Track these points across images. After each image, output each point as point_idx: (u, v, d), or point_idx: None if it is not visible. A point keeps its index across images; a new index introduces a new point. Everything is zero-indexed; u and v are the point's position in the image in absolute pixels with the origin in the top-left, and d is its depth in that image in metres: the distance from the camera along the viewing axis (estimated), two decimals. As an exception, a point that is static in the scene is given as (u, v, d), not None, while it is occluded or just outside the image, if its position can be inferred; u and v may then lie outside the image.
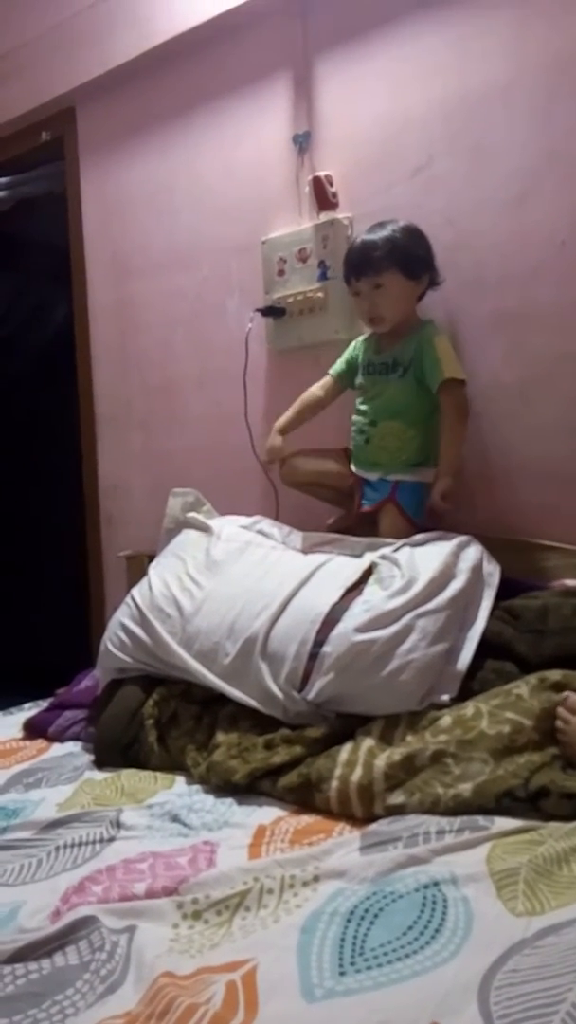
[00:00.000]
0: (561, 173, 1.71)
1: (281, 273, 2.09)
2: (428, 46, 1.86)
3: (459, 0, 1.81)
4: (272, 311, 2.09)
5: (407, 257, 1.72)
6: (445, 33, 1.83)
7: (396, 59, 1.91)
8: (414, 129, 1.89)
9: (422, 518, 1.78)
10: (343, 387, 1.93)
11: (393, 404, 1.79)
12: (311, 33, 2.04)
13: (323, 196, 1.99)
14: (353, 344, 1.91)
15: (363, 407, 1.84)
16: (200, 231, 2.30)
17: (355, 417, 1.86)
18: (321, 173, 2.00)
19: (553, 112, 1.71)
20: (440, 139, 1.86)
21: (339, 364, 1.92)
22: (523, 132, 1.75)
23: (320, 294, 1.99)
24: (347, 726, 1.44)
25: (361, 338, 1.90)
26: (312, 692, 1.48)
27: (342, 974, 0.87)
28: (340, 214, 1.98)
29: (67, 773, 1.60)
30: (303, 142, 2.06)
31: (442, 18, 1.83)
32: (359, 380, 1.87)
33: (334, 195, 1.99)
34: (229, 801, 1.38)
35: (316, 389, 1.94)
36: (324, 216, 2.00)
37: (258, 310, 2.10)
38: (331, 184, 1.99)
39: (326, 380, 1.94)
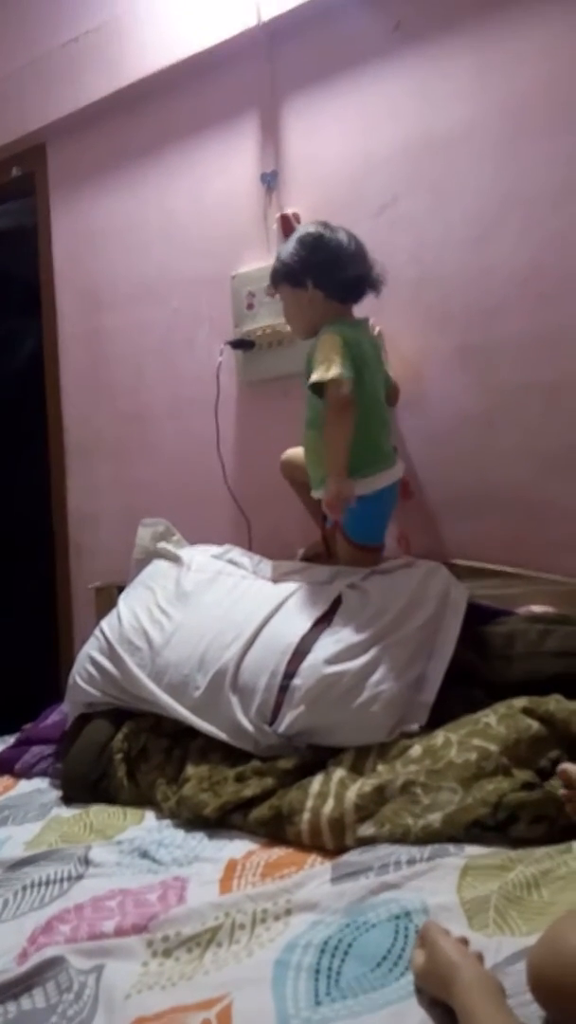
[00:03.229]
0: (522, 212, 1.77)
1: (250, 307, 2.13)
2: (392, 90, 1.93)
3: (421, 46, 1.88)
4: (241, 344, 2.12)
5: (286, 268, 1.74)
6: (408, 77, 1.90)
7: (361, 102, 1.97)
8: (379, 169, 1.95)
9: (371, 536, 1.76)
10: None
11: (308, 415, 1.77)
12: (278, 76, 2.10)
13: (290, 233, 2.03)
14: None
15: None
16: (170, 265, 2.33)
17: None
18: (289, 211, 2.04)
19: (513, 153, 1.77)
20: (404, 179, 1.91)
21: None
22: (485, 173, 1.81)
23: (288, 327, 2.02)
24: (318, 757, 1.44)
25: None
26: (283, 725, 1.48)
27: (318, 1004, 0.87)
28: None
29: (34, 810, 1.57)
30: (271, 181, 2.11)
31: (405, 63, 1.90)
32: None
33: (302, 232, 2.04)
34: (200, 835, 1.37)
35: None
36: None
37: (228, 343, 2.13)
38: (298, 221, 2.04)
39: None
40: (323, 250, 1.71)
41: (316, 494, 1.80)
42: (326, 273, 1.72)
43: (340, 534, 1.77)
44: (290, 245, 1.75)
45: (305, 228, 1.76)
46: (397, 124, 1.92)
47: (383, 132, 1.94)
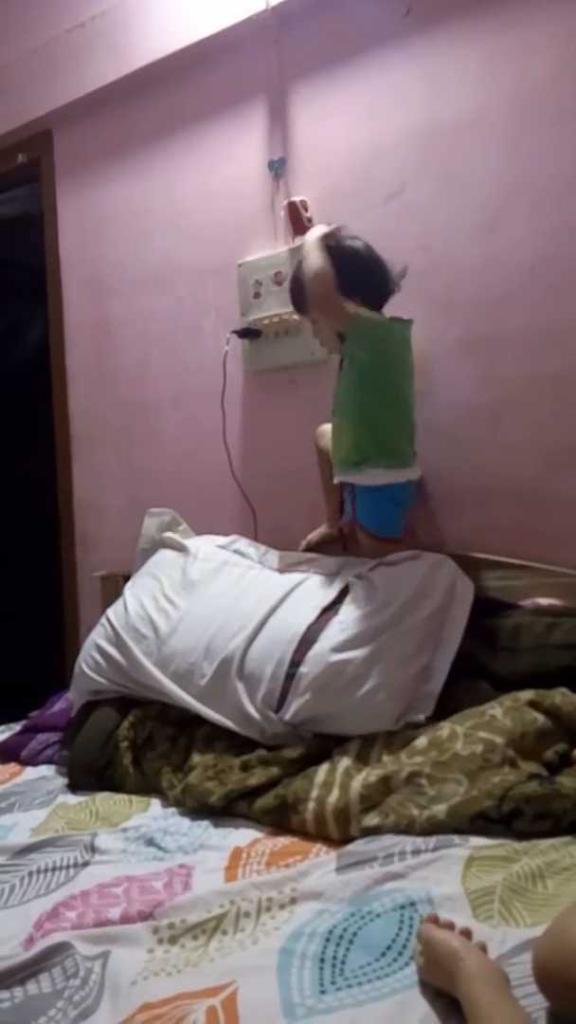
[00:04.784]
0: (530, 201, 1.75)
1: (257, 296, 2.12)
2: (400, 77, 1.91)
3: (430, 33, 1.86)
4: (248, 333, 2.11)
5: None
6: (417, 65, 1.88)
7: (369, 89, 1.95)
8: (387, 157, 1.93)
9: (387, 528, 1.75)
10: None
11: (335, 400, 1.79)
12: (286, 62, 2.08)
13: (298, 221, 2.02)
14: None
15: None
16: (176, 253, 2.32)
17: None
18: (296, 198, 2.03)
19: (521, 142, 1.76)
20: (412, 167, 1.90)
21: None
22: (493, 161, 1.79)
23: (295, 316, 2.01)
24: (323, 746, 1.45)
25: None
26: (289, 713, 1.48)
27: (323, 993, 0.87)
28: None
29: (40, 797, 1.58)
30: (278, 168, 2.09)
31: (414, 50, 1.88)
32: None
33: (309, 220, 2.02)
34: (205, 823, 1.38)
35: None
36: (299, 240, 2.03)
37: (234, 332, 2.12)
38: (306, 209, 2.02)
39: None
40: (346, 257, 1.70)
41: (337, 478, 1.80)
42: (355, 278, 1.69)
43: (358, 526, 1.78)
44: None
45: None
46: (406, 111, 1.90)
47: (392, 119, 1.92)
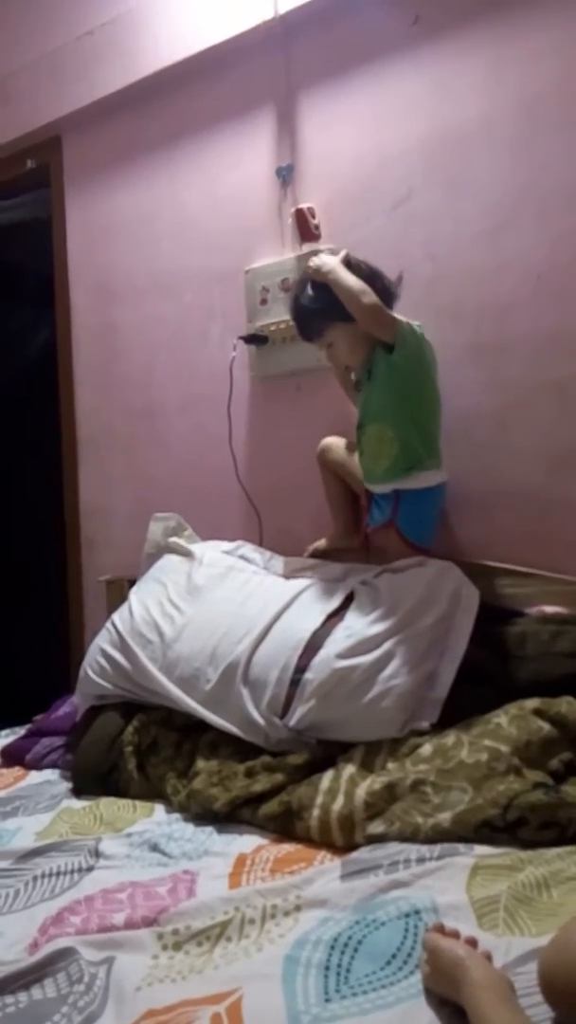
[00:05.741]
0: (536, 208, 1.75)
1: (264, 302, 2.12)
2: (407, 85, 1.91)
3: (437, 42, 1.86)
4: (255, 339, 2.12)
5: (328, 306, 1.69)
6: (424, 72, 1.89)
7: (376, 96, 1.96)
8: (394, 164, 1.94)
9: (424, 535, 1.74)
10: None
11: (366, 412, 1.77)
12: (294, 69, 2.09)
13: (306, 227, 2.02)
14: None
15: None
16: (184, 259, 2.33)
17: None
18: (304, 205, 2.03)
19: (528, 149, 1.76)
20: (419, 174, 1.90)
21: None
22: (499, 168, 1.80)
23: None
24: (328, 753, 1.44)
25: None
26: (294, 719, 1.48)
27: (328, 1001, 0.87)
28: (322, 245, 2.01)
29: (45, 801, 1.58)
30: (286, 175, 2.10)
31: (421, 58, 1.89)
32: None
33: (316, 227, 2.03)
34: (209, 830, 1.38)
35: None
36: (307, 247, 2.04)
37: (241, 337, 2.13)
38: (313, 216, 2.03)
39: None
40: (364, 273, 1.69)
41: (376, 489, 1.77)
42: (376, 291, 1.67)
43: (395, 534, 1.74)
44: (309, 292, 1.73)
45: (305, 280, 1.76)
46: (413, 119, 1.91)
47: (399, 126, 1.93)
